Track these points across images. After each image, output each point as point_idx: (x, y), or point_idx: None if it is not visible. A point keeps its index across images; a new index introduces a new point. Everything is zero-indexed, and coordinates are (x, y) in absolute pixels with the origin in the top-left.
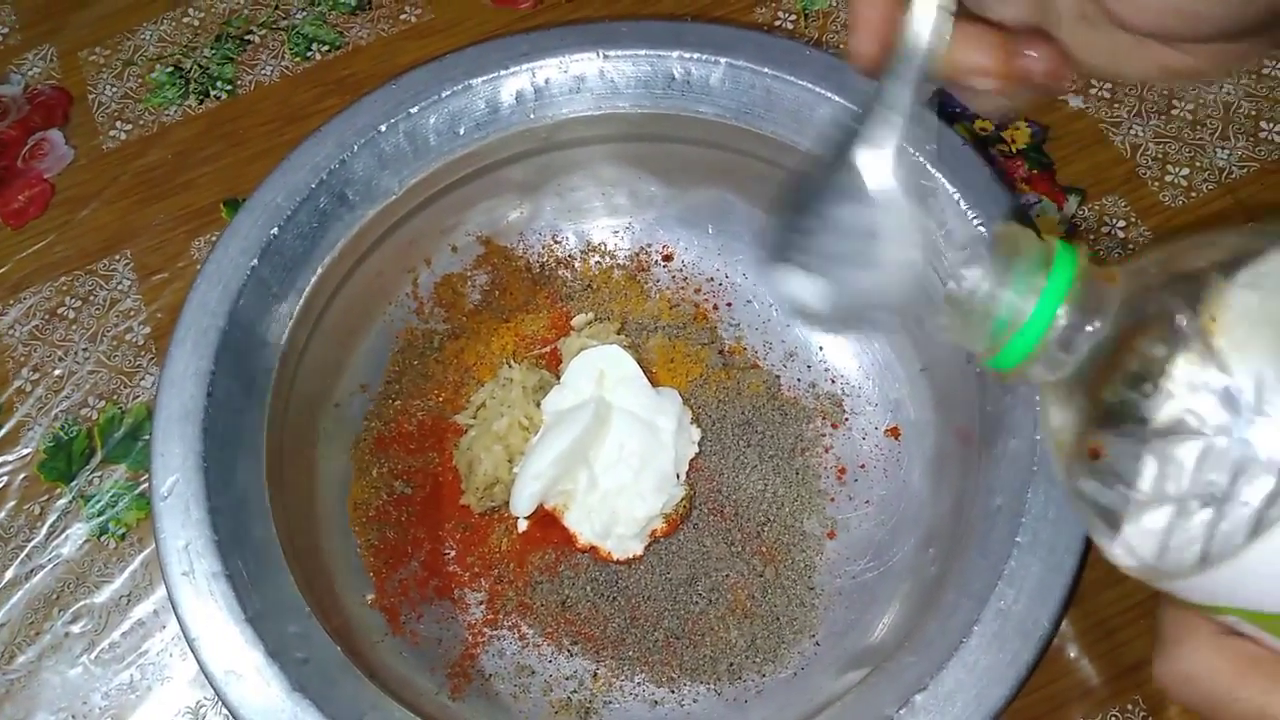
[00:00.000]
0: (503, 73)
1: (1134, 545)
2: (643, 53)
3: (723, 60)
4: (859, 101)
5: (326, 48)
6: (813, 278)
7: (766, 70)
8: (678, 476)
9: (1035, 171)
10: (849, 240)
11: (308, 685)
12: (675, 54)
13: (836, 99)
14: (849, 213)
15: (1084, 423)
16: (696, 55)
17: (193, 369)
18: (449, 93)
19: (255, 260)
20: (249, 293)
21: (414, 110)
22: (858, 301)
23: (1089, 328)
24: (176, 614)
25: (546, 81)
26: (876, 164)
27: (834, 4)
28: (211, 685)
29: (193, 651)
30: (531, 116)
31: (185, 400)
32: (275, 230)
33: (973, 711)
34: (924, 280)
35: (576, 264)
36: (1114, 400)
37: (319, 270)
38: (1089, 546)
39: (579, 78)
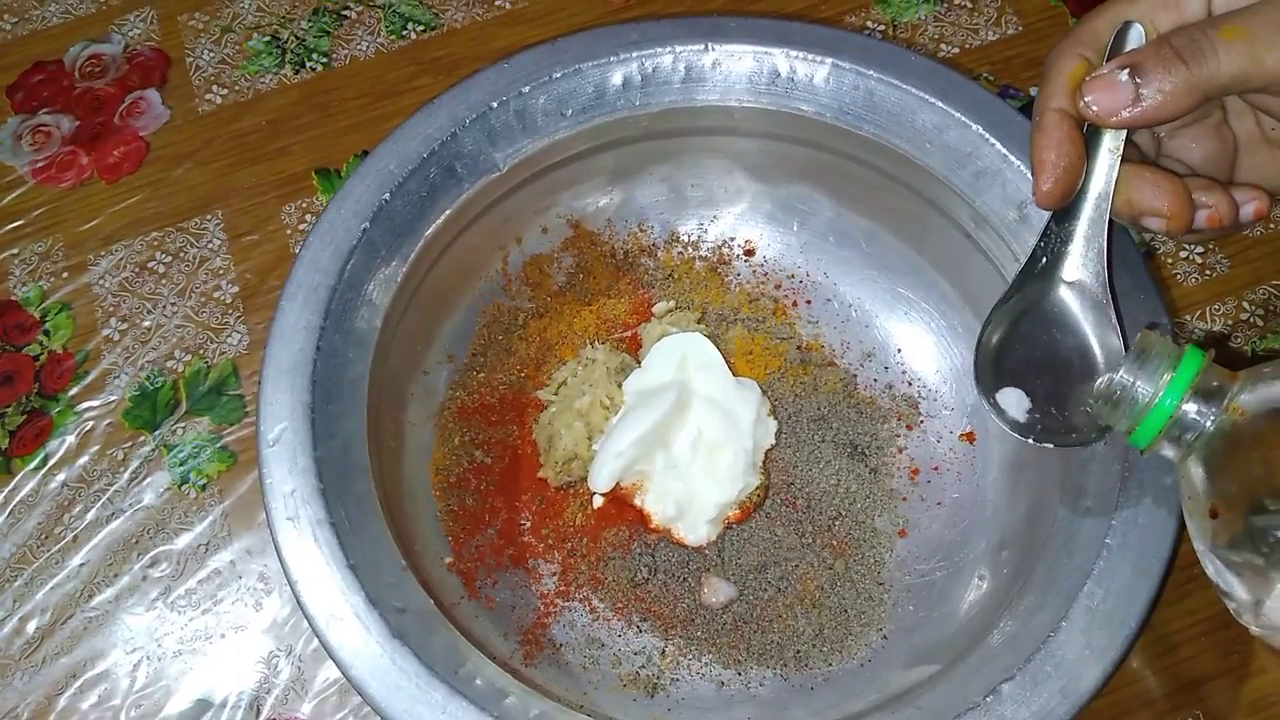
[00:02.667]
0: (613, 59)
1: (1270, 614)
2: (750, 48)
3: (828, 60)
4: (1042, 233)
5: (421, 28)
6: (1027, 396)
7: (871, 72)
8: (754, 466)
9: None
10: (1060, 358)
11: (406, 633)
12: (782, 51)
13: (939, 104)
14: (1055, 333)
15: (1216, 496)
16: (803, 54)
17: (303, 323)
18: (560, 74)
19: (367, 223)
20: (359, 253)
21: (526, 90)
22: (1070, 411)
23: (1211, 413)
24: (280, 557)
25: (654, 70)
26: (1081, 292)
27: (922, 17)
28: (312, 627)
29: (294, 594)
30: (637, 104)
31: (295, 352)
32: (387, 196)
33: (1058, 703)
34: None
35: (659, 253)
36: (1245, 480)
37: (424, 238)
38: (1176, 553)
39: (687, 68)
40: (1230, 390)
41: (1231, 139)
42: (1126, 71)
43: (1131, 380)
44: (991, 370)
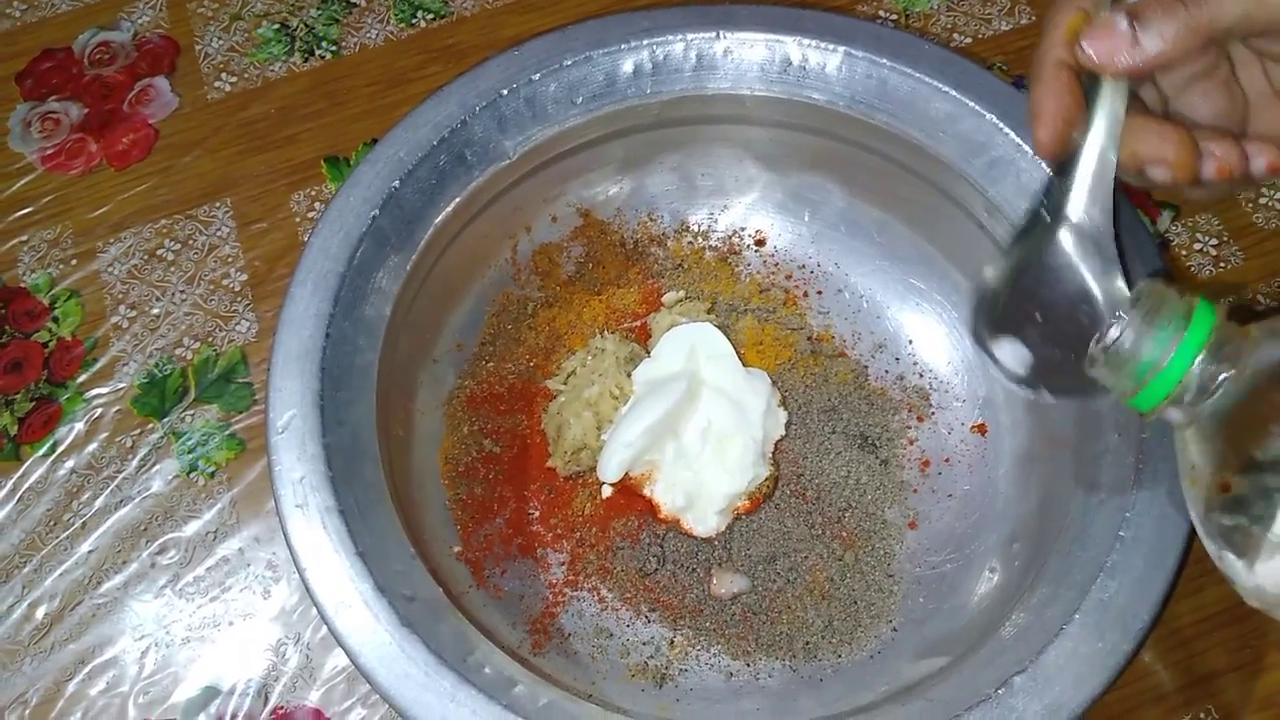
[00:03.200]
0: (624, 47)
1: (1267, 582)
2: (762, 36)
3: (841, 48)
4: (1045, 184)
5: (431, 15)
6: (1024, 347)
7: (884, 61)
8: (764, 457)
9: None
10: (1060, 310)
11: (414, 621)
12: (794, 39)
13: (952, 93)
14: (1058, 286)
15: (1222, 465)
16: (815, 42)
17: (313, 310)
18: (570, 62)
19: (376, 210)
20: (369, 241)
21: (536, 77)
22: (1068, 363)
23: (1222, 375)
24: (288, 544)
25: (665, 58)
26: (1084, 244)
27: (934, 6)
28: (321, 615)
29: (303, 582)
30: (648, 92)
31: (304, 339)
32: (397, 183)
33: (1070, 696)
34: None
35: (669, 242)
36: (1251, 444)
37: (433, 226)
38: (1189, 546)
39: (699, 56)
40: (1244, 348)
41: (1241, 96)
42: (1125, 18)
43: (1135, 338)
44: (990, 322)
